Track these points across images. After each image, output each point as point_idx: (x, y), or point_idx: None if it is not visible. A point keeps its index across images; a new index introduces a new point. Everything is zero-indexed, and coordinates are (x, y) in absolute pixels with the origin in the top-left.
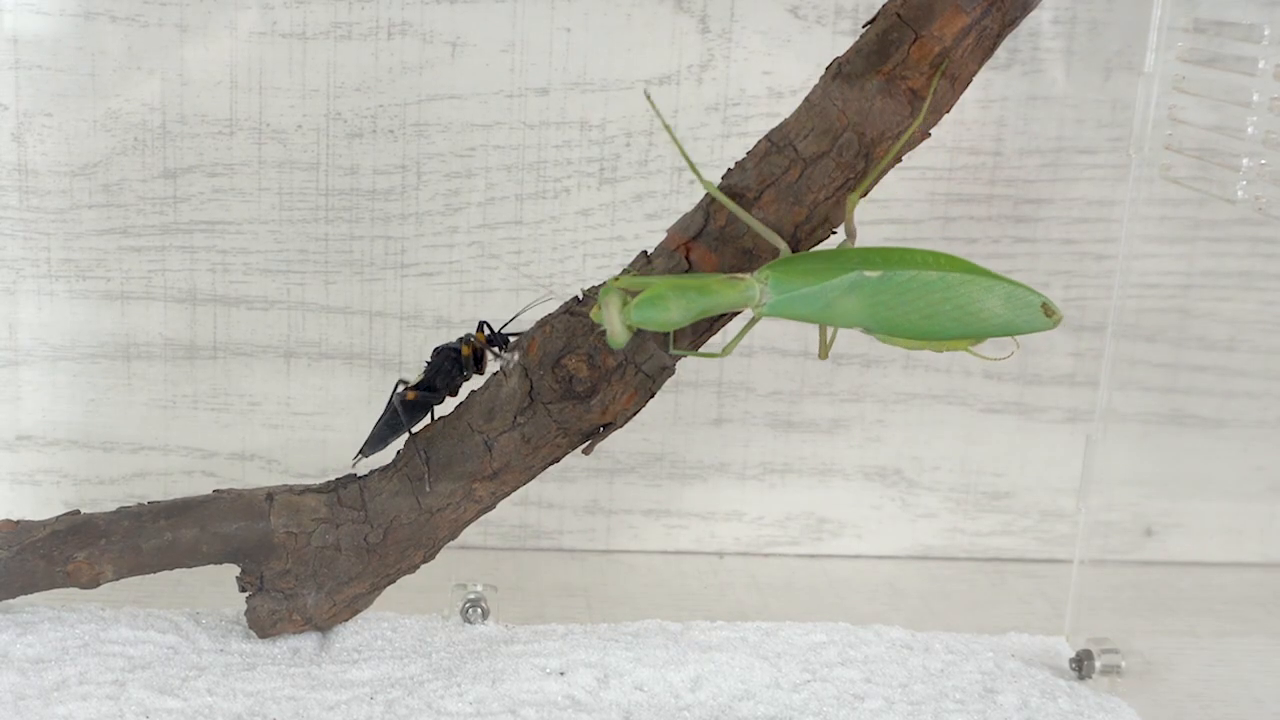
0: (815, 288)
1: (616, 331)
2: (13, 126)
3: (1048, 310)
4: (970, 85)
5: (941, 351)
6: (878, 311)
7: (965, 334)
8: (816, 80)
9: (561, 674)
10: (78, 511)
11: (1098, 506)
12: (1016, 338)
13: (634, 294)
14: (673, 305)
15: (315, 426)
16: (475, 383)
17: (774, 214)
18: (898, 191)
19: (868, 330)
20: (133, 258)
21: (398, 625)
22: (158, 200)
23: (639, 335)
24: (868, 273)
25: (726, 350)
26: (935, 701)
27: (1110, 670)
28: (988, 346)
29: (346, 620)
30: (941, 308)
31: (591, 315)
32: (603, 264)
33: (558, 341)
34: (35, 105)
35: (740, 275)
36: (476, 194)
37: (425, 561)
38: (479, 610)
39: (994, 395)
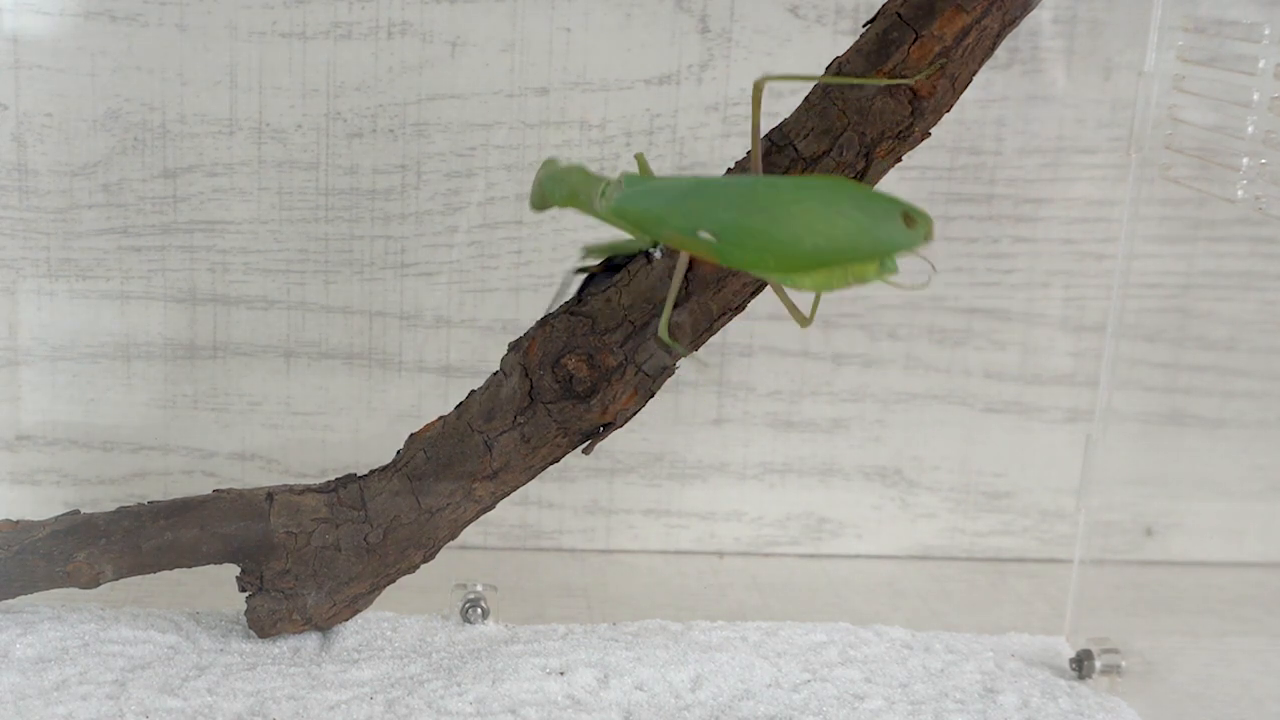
0: (660, 183)
1: (534, 194)
2: (13, 126)
3: (909, 219)
4: (970, 85)
5: (834, 288)
6: (723, 215)
7: (827, 248)
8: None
9: (562, 674)
10: (78, 511)
11: (1098, 506)
12: (933, 266)
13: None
14: (561, 182)
15: (315, 426)
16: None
17: None
18: (898, 191)
19: (720, 252)
20: (133, 258)
21: (398, 625)
22: (158, 200)
23: (639, 335)
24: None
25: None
26: (936, 701)
27: (1110, 670)
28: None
29: (347, 620)
30: (790, 209)
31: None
32: None
33: (558, 341)
34: (35, 105)
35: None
36: (476, 194)
37: (425, 561)
38: (479, 610)
39: (994, 395)
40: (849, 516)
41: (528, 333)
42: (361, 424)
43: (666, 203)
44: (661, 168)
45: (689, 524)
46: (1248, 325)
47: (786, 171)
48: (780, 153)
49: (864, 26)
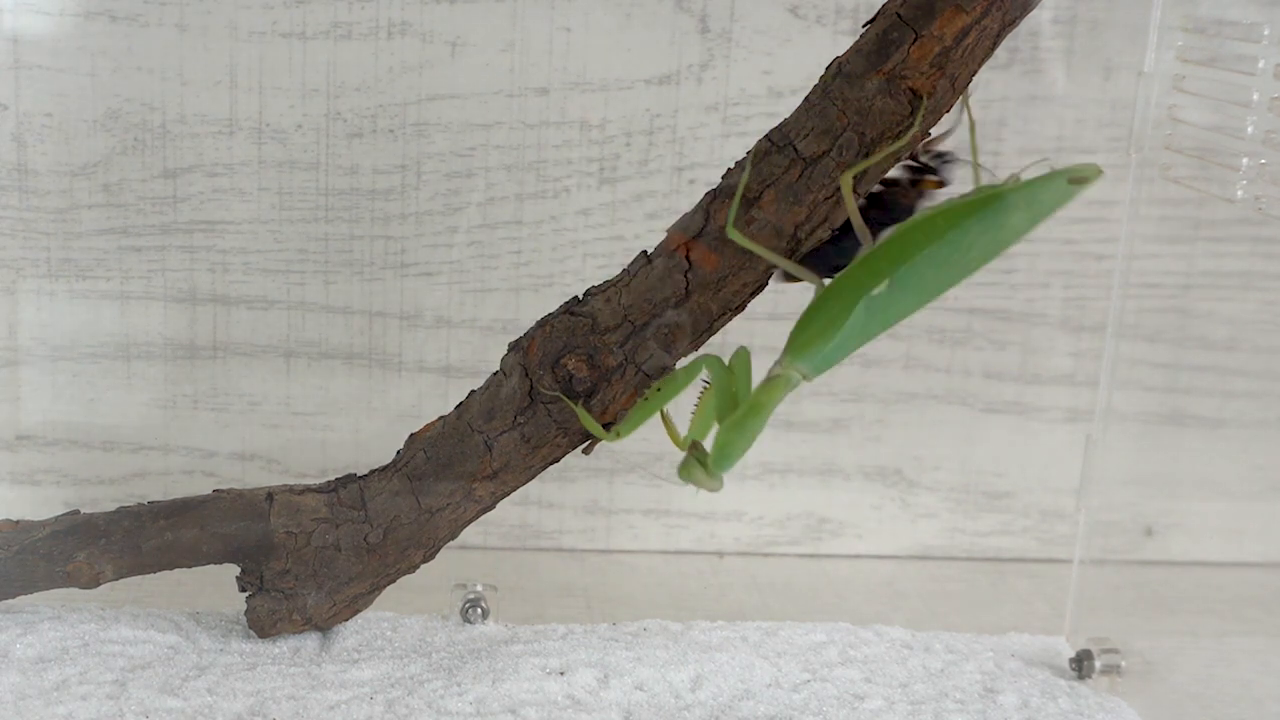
0: (838, 337)
1: (714, 486)
2: (13, 126)
3: (1077, 177)
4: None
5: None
6: (915, 297)
7: (999, 249)
8: (816, 80)
9: (562, 674)
10: (78, 511)
11: (1098, 506)
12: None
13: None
14: (740, 441)
15: (315, 426)
16: None
17: (774, 214)
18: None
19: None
20: (133, 258)
21: (398, 625)
22: (158, 200)
23: (639, 335)
24: (874, 293)
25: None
26: (936, 701)
27: (1110, 670)
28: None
29: (347, 620)
30: (968, 254)
31: (680, 477)
32: (603, 264)
33: (558, 341)
34: (35, 105)
35: (774, 375)
36: (476, 194)
37: (425, 561)
38: (479, 610)
39: (994, 395)
40: (849, 516)
41: (528, 333)
42: (361, 424)
43: (862, 335)
44: (661, 167)
45: (689, 524)
46: (1248, 325)
47: (786, 171)
48: (780, 153)
49: (864, 26)
